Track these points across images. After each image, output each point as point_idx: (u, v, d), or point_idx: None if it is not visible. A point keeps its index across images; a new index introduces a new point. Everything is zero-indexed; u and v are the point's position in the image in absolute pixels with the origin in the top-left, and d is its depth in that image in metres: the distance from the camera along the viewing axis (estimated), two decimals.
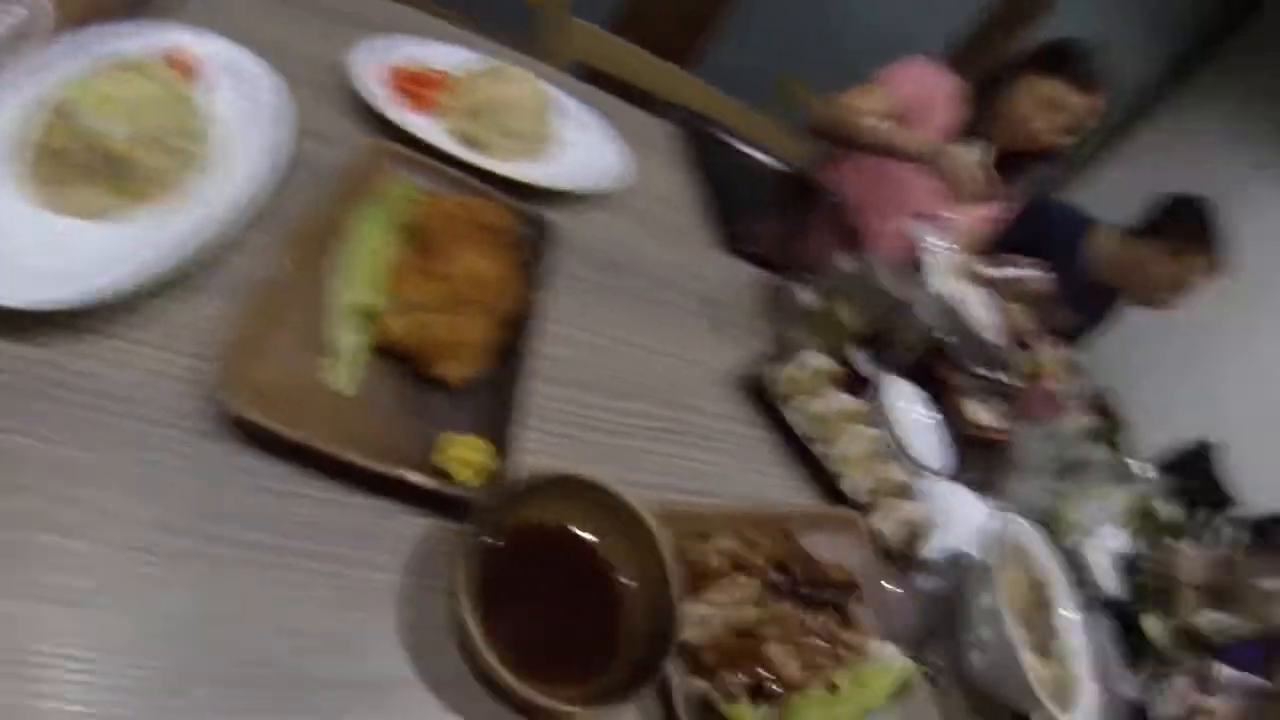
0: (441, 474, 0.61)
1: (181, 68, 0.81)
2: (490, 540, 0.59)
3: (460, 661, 0.57)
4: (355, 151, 0.82)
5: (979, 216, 1.75)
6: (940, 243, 1.29)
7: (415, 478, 0.59)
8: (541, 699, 0.53)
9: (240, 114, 0.80)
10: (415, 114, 0.95)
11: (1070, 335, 1.61)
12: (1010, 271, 1.51)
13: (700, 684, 0.66)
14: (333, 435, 0.59)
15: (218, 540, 0.55)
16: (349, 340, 0.65)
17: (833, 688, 0.72)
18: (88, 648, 0.48)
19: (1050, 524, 1.07)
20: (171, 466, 0.57)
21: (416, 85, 0.98)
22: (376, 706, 0.53)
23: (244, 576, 0.54)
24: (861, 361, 1.05)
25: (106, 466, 0.55)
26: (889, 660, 0.76)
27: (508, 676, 0.52)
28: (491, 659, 0.52)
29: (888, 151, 1.54)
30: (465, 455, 0.61)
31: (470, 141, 0.94)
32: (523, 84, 0.98)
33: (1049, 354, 1.42)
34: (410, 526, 0.62)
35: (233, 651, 0.51)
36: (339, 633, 0.54)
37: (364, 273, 0.68)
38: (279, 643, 0.52)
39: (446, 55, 1.06)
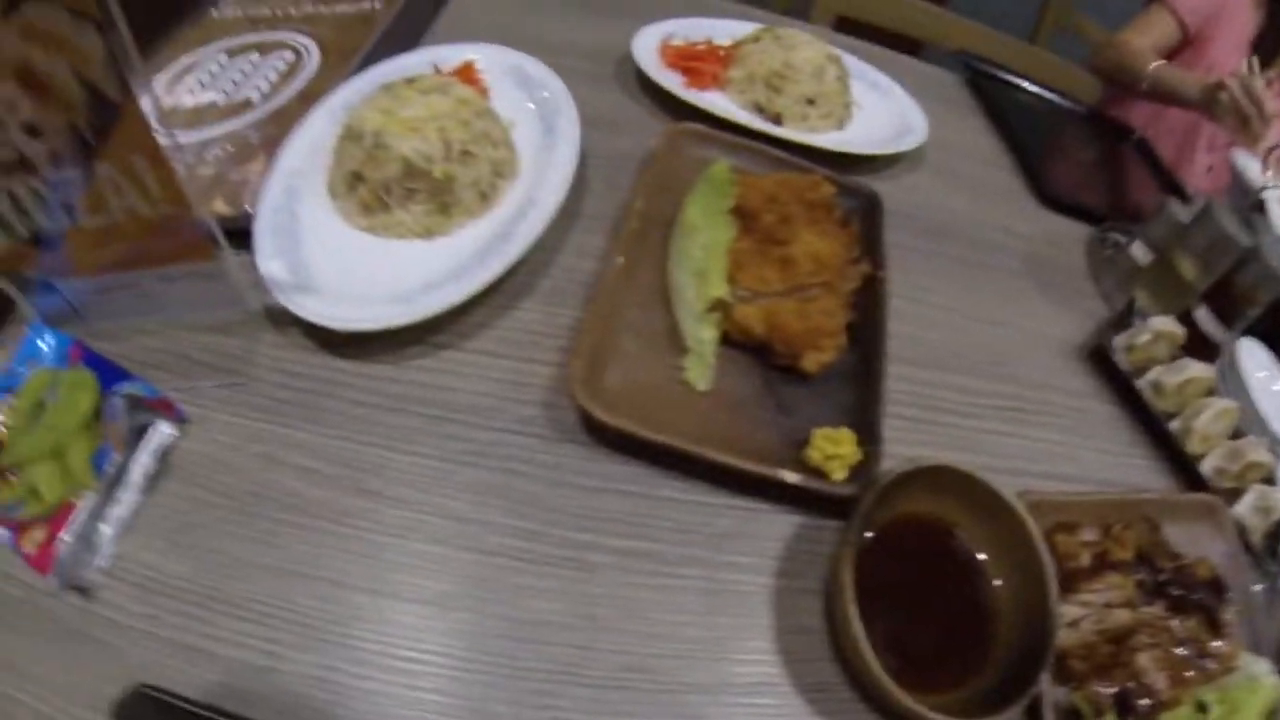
0: (814, 470, 0.59)
1: (467, 79, 0.83)
2: (868, 539, 0.56)
3: (832, 665, 0.55)
4: (654, 139, 0.81)
5: None
6: (1272, 175, 1.11)
7: (793, 478, 0.57)
8: (927, 713, 0.50)
9: (531, 116, 0.81)
10: (702, 91, 0.92)
11: None
12: None
13: (1068, 693, 0.61)
14: (694, 435, 0.58)
15: (583, 546, 0.56)
16: (703, 335, 0.64)
17: (1201, 707, 0.64)
18: (462, 646, 0.51)
19: None
20: (529, 474, 0.58)
21: (695, 61, 0.96)
22: (748, 711, 0.52)
23: (612, 582, 0.55)
24: (1207, 322, 0.92)
25: (465, 475, 0.58)
26: (1260, 678, 0.66)
27: (896, 691, 0.49)
28: (880, 673, 0.49)
29: (1169, 100, 1.36)
30: (837, 450, 0.58)
31: (768, 113, 0.90)
32: (809, 47, 0.93)
33: None
34: (776, 525, 0.60)
35: (604, 655, 0.52)
36: (709, 638, 0.54)
37: (710, 264, 0.66)
38: (650, 647, 0.53)
39: (711, 28, 1.02)
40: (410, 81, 0.73)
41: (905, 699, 0.49)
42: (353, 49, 0.91)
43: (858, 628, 0.50)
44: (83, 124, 0.48)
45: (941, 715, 0.50)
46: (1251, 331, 0.99)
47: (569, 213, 0.74)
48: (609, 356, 0.62)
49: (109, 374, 0.56)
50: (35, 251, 0.54)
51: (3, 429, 0.53)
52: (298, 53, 0.92)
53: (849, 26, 1.39)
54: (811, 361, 0.62)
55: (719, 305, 0.64)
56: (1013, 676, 0.54)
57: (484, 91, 0.82)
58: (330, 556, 0.53)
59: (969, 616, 0.59)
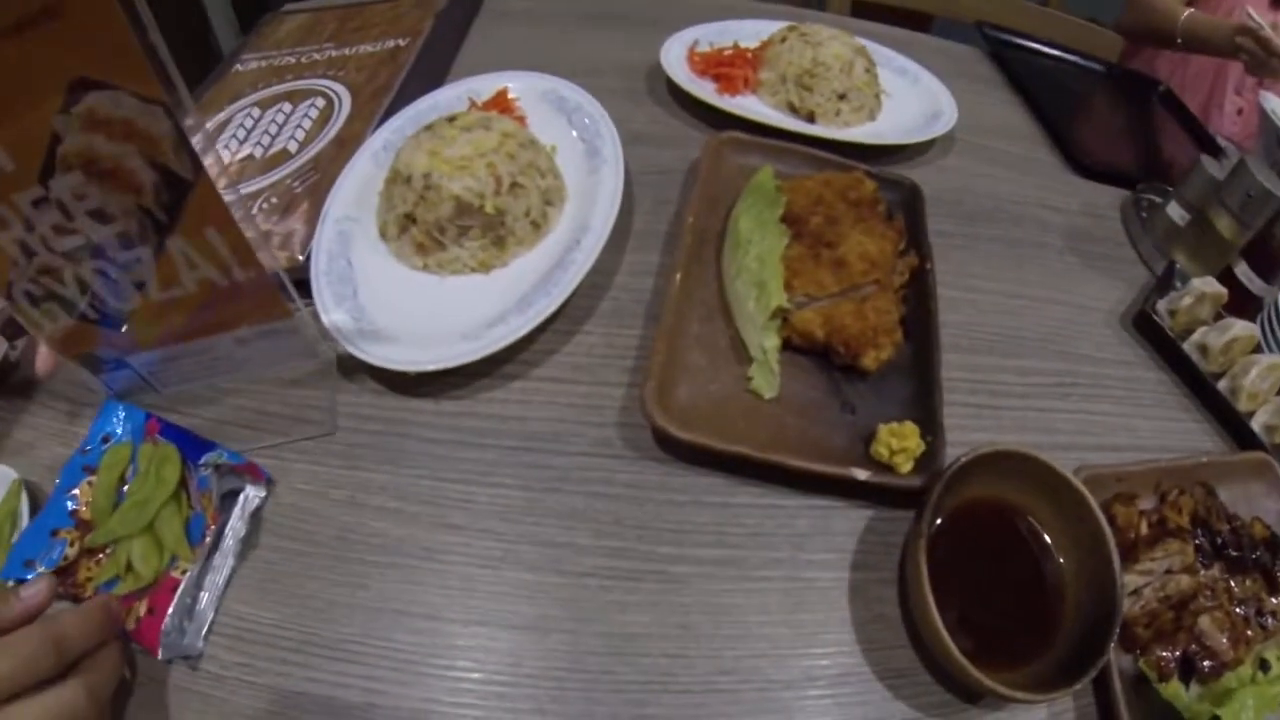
0: (882, 465, 0.61)
1: (503, 109, 0.85)
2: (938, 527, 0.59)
3: (909, 650, 0.58)
4: (697, 151, 0.83)
5: None
6: None
7: (863, 475, 0.60)
8: (1004, 690, 0.52)
9: (573, 140, 0.83)
10: (735, 96, 0.95)
11: None
12: None
13: (1134, 661, 0.63)
14: (766, 442, 0.61)
15: (669, 559, 0.58)
16: (766, 344, 0.66)
17: (1262, 664, 0.66)
18: (560, 667, 0.53)
19: None
20: (610, 494, 0.61)
21: (725, 66, 0.97)
22: (833, 701, 0.55)
23: (699, 590, 0.57)
24: (1249, 278, 0.93)
25: (549, 501, 0.60)
26: None
27: (973, 671, 0.51)
28: (958, 655, 0.51)
29: (1204, 52, 1.36)
30: (903, 444, 0.61)
31: (801, 112, 0.93)
32: (835, 42, 0.95)
33: None
34: (849, 521, 0.63)
35: (696, 661, 0.54)
36: (793, 635, 0.57)
37: (767, 274, 0.68)
38: (737, 649, 0.55)
39: (736, 30, 1.04)
40: (451, 119, 0.74)
41: (983, 678, 0.52)
42: (382, 88, 0.94)
43: (934, 614, 0.52)
44: (153, 205, 0.47)
45: (1019, 690, 0.52)
46: None
47: (619, 231, 0.76)
48: (678, 373, 0.65)
49: (190, 444, 0.58)
50: (101, 330, 0.54)
51: (85, 508, 0.56)
52: (328, 98, 0.94)
53: (861, 9, 1.40)
54: (871, 359, 0.65)
55: (779, 313, 0.67)
56: (1081, 649, 0.57)
57: (521, 120, 0.84)
58: (424, 592, 0.55)
59: (1037, 594, 0.61)
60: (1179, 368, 0.86)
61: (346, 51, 1.04)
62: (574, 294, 0.68)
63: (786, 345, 0.68)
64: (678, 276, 0.69)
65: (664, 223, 0.81)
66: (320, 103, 0.93)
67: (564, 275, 0.68)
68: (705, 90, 0.92)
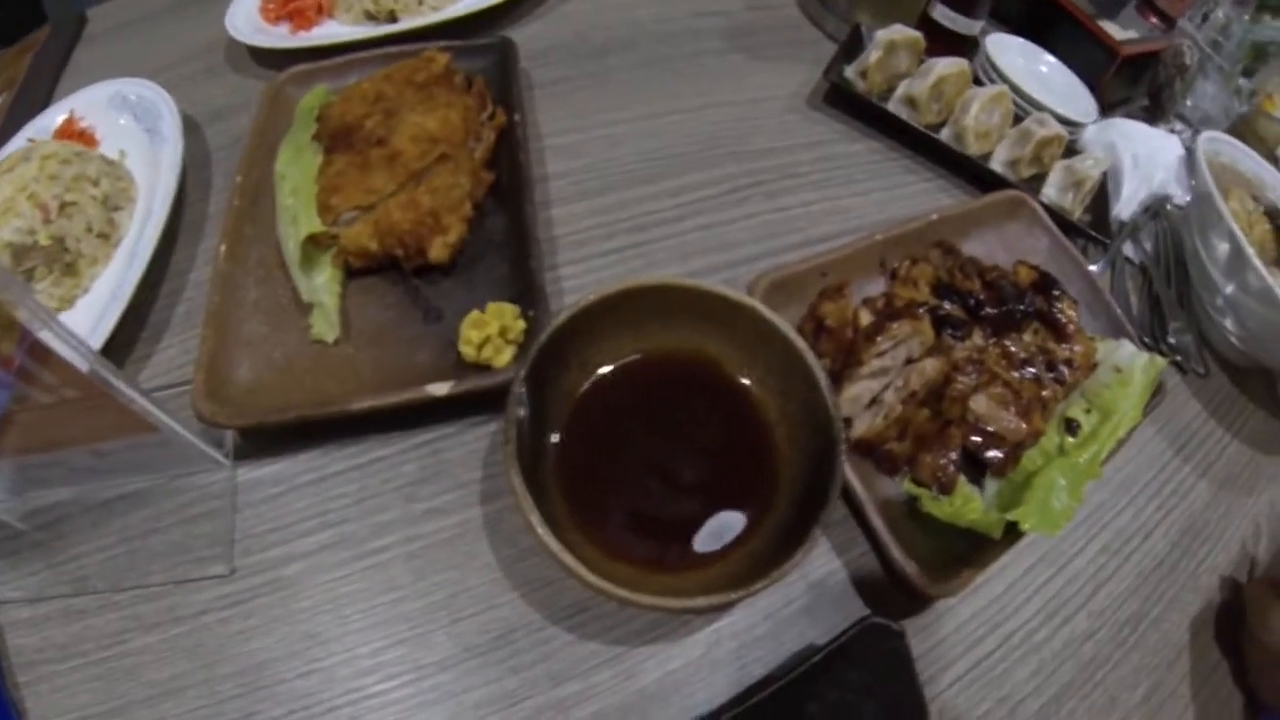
0: (475, 367, 0.48)
1: (69, 135, 0.74)
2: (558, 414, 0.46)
3: None
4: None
5: None
6: None
7: (442, 389, 0.46)
8: (674, 603, 0.39)
9: (137, 133, 0.72)
10: (314, 28, 0.81)
11: None
12: None
13: (900, 483, 0.51)
14: (335, 392, 0.49)
15: (277, 562, 0.47)
16: (315, 283, 0.53)
17: (1069, 426, 0.54)
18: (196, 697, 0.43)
19: (1248, 136, 0.79)
20: (205, 513, 0.49)
21: (295, 2, 0.83)
22: (505, 666, 0.44)
23: (314, 586, 0.46)
24: (951, 19, 0.81)
25: (149, 545, 0.48)
26: (1128, 364, 0.57)
27: (623, 592, 0.38)
28: (592, 577, 0.38)
29: None
30: (485, 332, 0.48)
31: (382, 15, 0.78)
32: None
33: None
34: (465, 445, 0.51)
35: (333, 671, 0.44)
36: (433, 603, 0.46)
37: (301, 204, 0.55)
38: (373, 641, 0.45)
39: None
40: (8, 160, 0.64)
41: (641, 598, 0.38)
42: None
43: (546, 536, 0.38)
44: None
45: (703, 597, 0.39)
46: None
47: (194, 221, 0.64)
48: (237, 352, 0.51)
49: None
50: None
51: None
52: None
53: None
54: (440, 248, 0.52)
55: (325, 240, 0.53)
56: (811, 502, 0.43)
57: (90, 139, 0.73)
58: (69, 696, 0.44)
59: (739, 452, 0.47)
60: (891, 131, 0.74)
61: None
62: (149, 308, 0.57)
63: (353, 273, 0.54)
64: (223, 248, 0.55)
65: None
66: None
67: (133, 275, 0.57)
68: (278, 36, 0.78)
